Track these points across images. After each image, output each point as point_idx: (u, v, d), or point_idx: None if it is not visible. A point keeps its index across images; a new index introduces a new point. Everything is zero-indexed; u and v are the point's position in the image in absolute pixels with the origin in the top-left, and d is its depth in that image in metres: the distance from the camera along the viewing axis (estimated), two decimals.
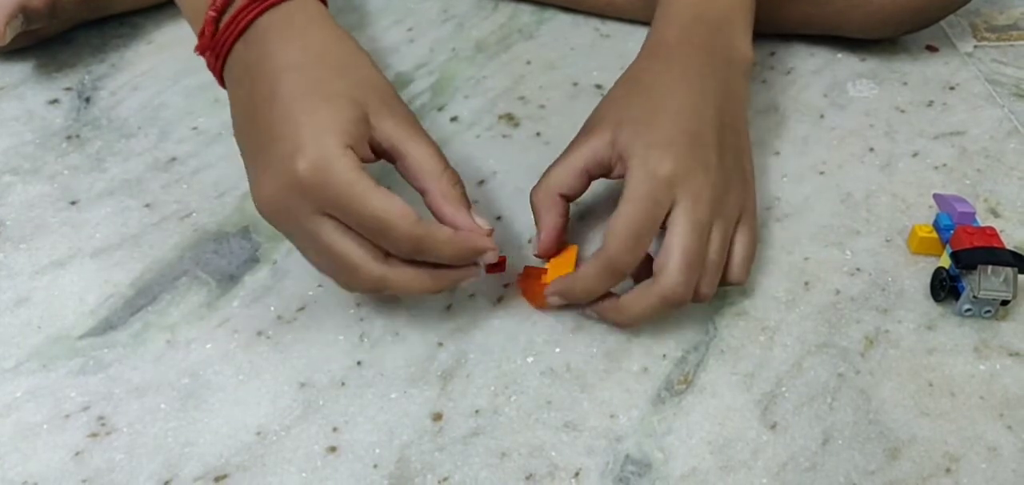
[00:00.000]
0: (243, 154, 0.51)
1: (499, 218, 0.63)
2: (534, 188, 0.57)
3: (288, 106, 0.47)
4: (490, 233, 0.51)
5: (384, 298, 0.57)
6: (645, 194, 0.51)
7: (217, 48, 0.50)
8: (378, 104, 0.49)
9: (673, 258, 0.51)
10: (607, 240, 0.52)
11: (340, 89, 0.48)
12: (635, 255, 0.51)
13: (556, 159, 0.57)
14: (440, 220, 0.50)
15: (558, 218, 0.56)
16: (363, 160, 0.48)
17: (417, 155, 0.50)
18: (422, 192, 0.50)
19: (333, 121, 0.46)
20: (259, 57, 0.49)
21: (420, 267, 0.50)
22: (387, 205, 0.46)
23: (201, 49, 0.51)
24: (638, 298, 0.52)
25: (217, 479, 0.48)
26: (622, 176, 0.53)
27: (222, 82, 0.52)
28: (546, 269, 0.56)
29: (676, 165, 0.51)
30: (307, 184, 0.45)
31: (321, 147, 0.45)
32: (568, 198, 0.56)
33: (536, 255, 0.57)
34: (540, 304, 0.56)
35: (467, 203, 0.51)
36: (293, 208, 0.47)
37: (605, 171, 0.55)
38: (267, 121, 0.47)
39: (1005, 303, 0.57)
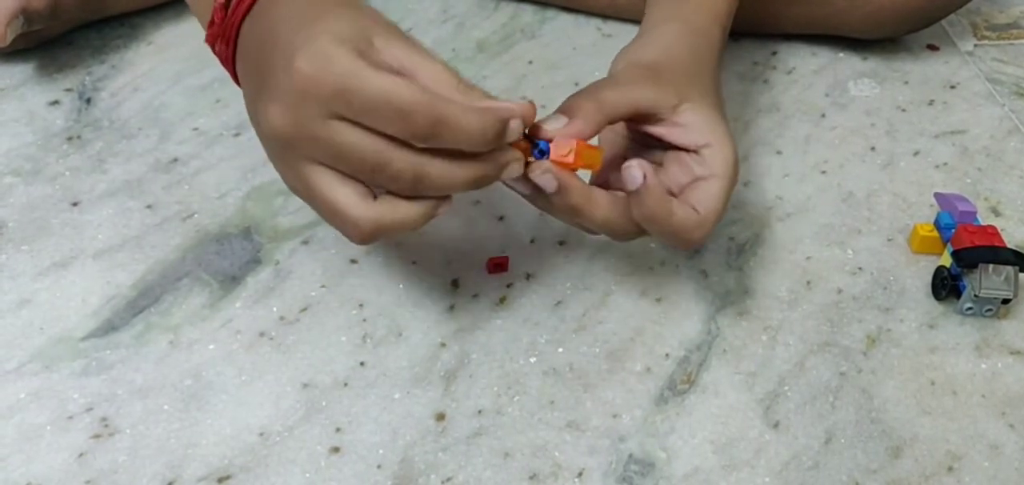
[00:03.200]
0: (253, 118, 0.48)
1: (501, 218, 0.63)
2: (576, 95, 0.52)
3: (285, 30, 0.44)
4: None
5: (403, 239, 0.54)
6: (734, 175, 0.52)
7: (227, 33, 0.49)
8: (384, 29, 0.46)
9: (709, 218, 0.50)
10: (703, 208, 0.50)
11: (341, 12, 0.45)
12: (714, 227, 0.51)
13: (601, 81, 0.53)
14: None
15: (591, 133, 0.51)
16: None
17: (430, 70, 0.45)
18: None
19: (332, 27, 0.44)
20: (265, 22, 0.47)
21: (454, 159, 0.45)
22: (394, 82, 0.42)
23: (211, 38, 0.50)
24: (660, 203, 0.49)
25: (220, 480, 0.48)
26: (658, 138, 0.53)
27: (233, 70, 0.50)
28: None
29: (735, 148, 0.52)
30: (309, 81, 0.42)
31: (318, 44, 0.43)
32: (602, 125, 0.52)
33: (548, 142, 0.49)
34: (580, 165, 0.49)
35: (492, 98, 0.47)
36: (302, 121, 0.43)
37: (645, 122, 0.53)
38: (268, 59, 0.45)
39: (1006, 302, 0.57)
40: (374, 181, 0.45)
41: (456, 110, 0.43)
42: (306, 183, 0.46)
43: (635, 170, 0.47)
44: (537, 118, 0.48)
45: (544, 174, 0.48)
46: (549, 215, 0.52)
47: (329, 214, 0.46)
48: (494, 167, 0.46)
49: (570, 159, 0.48)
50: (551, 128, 0.49)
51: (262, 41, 0.46)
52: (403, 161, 0.44)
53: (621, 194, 0.50)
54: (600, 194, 0.50)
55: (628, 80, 0.54)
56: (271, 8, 0.47)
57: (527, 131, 0.48)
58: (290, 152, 0.45)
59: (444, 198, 0.47)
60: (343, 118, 0.43)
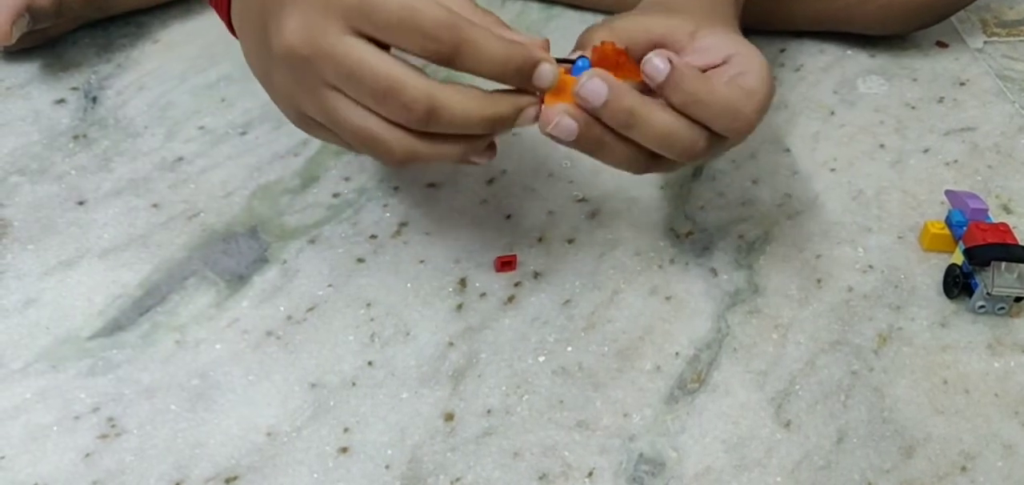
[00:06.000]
0: (261, 53, 0.46)
1: (508, 217, 0.62)
2: (590, 29, 0.50)
3: None
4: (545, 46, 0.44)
5: (417, 167, 0.52)
6: (770, 77, 0.48)
7: None
8: None
9: (758, 91, 0.47)
10: (747, 84, 0.47)
11: None
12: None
13: (615, 15, 0.52)
14: None
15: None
16: None
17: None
18: None
19: None
20: None
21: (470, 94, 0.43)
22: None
23: None
24: (697, 80, 0.46)
25: (228, 480, 0.48)
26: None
27: (227, 18, 0.49)
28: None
29: None
30: None
31: None
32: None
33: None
34: (625, 74, 0.46)
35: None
36: (318, 34, 0.41)
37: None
38: None
39: (1019, 299, 0.57)
40: (386, 109, 0.42)
41: (482, 33, 0.41)
42: (328, 109, 0.43)
43: (656, 60, 0.44)
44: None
45: (591, 80, 0.44)
46: (598, 159, 0.47)
47: (359, 138, 0.43)
48: (511, 107, 0.44)
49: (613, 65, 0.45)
50: (574, 56, 0.46)
51: None
52: (418, 87, 0.41)
53: None
54: (652, 100, 0.46)
55: (640, 12, 0.52)
56: None
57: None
58: (306, 74, 0.43)
59: (487, 146, 0.46)
60: (362, 34, 0.41)
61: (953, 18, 0.81)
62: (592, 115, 0.45)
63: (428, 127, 0.43)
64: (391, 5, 0.40)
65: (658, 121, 0.45)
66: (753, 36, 0.78)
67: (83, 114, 0.69)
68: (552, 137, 0.45)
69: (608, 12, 0.81)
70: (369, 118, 0.43)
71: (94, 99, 0.70)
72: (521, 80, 0.43)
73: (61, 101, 0.70)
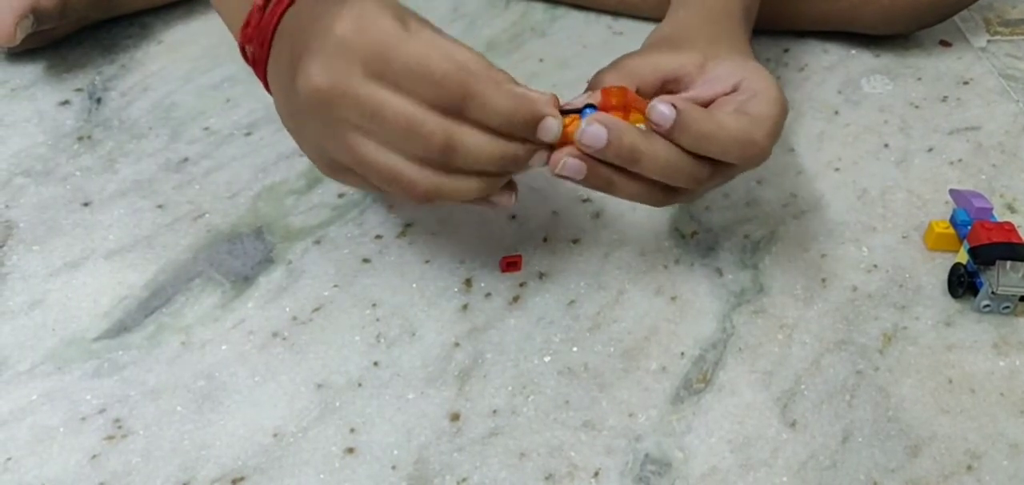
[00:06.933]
0: (288, 105, 0.48)
1: (513, 217, 0.62)
2: (602, 70, 0.52)
3: (324, 9, 0.45)
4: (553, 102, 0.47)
5: (435, 206, 0.53)
6: (782, 98, 0.50)
7: (263, 32, 0.48)
8: (418, 16, 0.46)
9: (768, 118, 0.49)
10: (756, 111, 0.49)
11: None
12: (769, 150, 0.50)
13: (625, 55, 0.53)
14: None
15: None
16: None
17: (462, 52, 0.45)
18: None
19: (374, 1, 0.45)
20: (304, 12, 0.47)
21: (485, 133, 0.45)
22: (431, 48, 0.44)
23: (245, 38, 0.50)
24: (705, 119, 0.47)
25: (234, 481, 0.48)
26: (695, 98, 0.51)
27: (263, 73, 0.50)
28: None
29: None
30: (352, 36, 0.43)
31: (362, 7, 0.44)
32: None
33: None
34: (634, 117, 0.48)
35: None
36: (341, 78, 0.43)
37: (675, 88, 0.53)
38: (306, 34, 0.45)
39: None
40: (407, 145, 0.45)
41: (490, 86, 0.44)
42: (354, 150, 0.45)
43: (661, 106, 0.46)
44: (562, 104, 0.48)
45: (591, 125, 0.46)
46: (614, 196, 0.50)
47: (384, 177, 0.46)
48: (525, 150, 0.46)
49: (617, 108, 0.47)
50: (576, 101, 0.48)
51: (299, 28, 0.47)
52: (435, 123, 0.44)
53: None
54: (655, 135, 0.48)
55: (649, 49, 0.53)
56: (311, 3, 0.47)
57: (562, 109, 0.47)
58: (331, 116, 0.45)
59: (507, 186, 0.48)
60: (381, 79, 0.43)
61: (956, 18, 0.81)
62: (597, 157, 0.47)
63: (447, 161, 0.45)
64: (407, 54, 0.43)
65: (662, 155, 0.47)
66: (757, 37, 0.78)
67: (87, 115, 0.69)
68: (562, 177, 0.48)
69: (611, 12, 0.81)
70: (392, 156, 0.45)
71: (98, 100, 0.71)
72: (527, 132, 0.46)
73: (65, 102, 0.70)
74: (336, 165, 0.48)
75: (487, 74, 0.45)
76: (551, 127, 0.46)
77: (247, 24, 0.49)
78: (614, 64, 0.53)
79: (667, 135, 0.47)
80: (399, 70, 0.43)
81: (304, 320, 0.56)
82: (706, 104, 0.51)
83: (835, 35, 0.79)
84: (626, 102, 0.48)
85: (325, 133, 0.46)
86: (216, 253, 0.59)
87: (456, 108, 0.44)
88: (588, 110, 0.48)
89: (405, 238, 0.60)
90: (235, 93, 0.71)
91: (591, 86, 0.51)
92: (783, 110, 0.50)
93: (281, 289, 0.57)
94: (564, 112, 0.47)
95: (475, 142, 0.45)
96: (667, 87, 0.52)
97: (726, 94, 0.51)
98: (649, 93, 0.51)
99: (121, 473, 0.48)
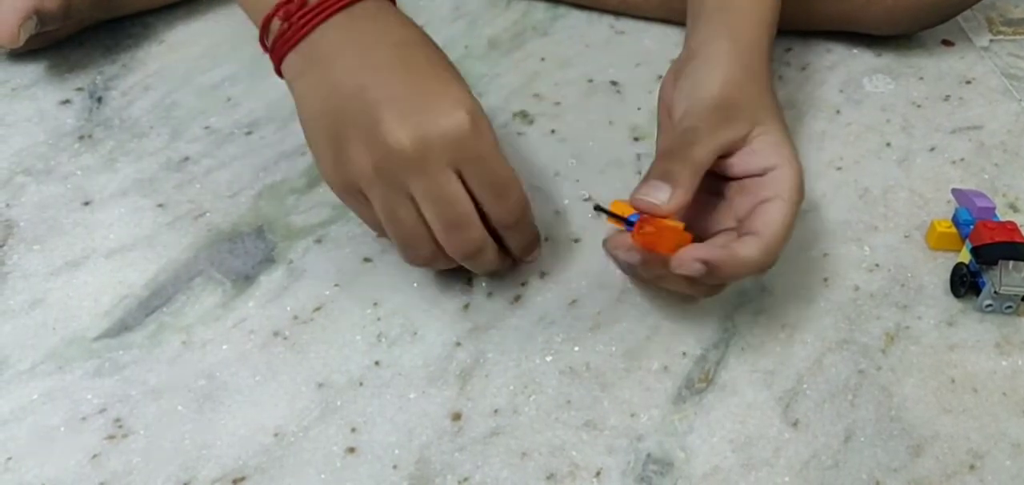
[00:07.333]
0: (336, 120, 0.49)
1: None
2: (670, 158, 0.52)
3: (431, 69, 0.50)
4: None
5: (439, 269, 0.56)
6: (799, 198, 0.52)
7: (303, 23, 0.49)
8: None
9: (772, 242, 0.51)
10: (768, 231, 0.51)
11: (461, 82, 0.50)
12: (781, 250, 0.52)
13: (680, 137, 0.54)
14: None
15: (693, 190, 0.52)
16: None
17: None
18: None
19: (471, 98, 0.49)
20: (365, 31, 0.50)
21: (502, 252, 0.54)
22: (513, 173, 0.50)
23: (286, 14, 0.50)
24: (725, 266, 0.50)
25: (235, 481, 0.48)
26: (729, 166, 0.54)
27: (279, 58, 0.51)
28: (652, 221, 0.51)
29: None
30: (463, 134, 0.47)
31: (478, 106, 0.49)
32: (698, 182, 0.53)
33: (657, 214, 0.51)
34: (664, 250, 0.51)
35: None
36: (429, 158, 0.47)
37: (724, 159, 0.54)
38: (401, 80, 0.48)
39: None
40: (446, 236, 0.50)
41: (530, 218, 0.54)
42: (392, 208, 0.49)
43: (691, 265, 0.49)
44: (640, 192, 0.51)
45: (629, 251, 0.52)
46: (615, 265, 0.56)
47: (402, 237, 0.51)
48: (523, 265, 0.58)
49: (654, 238, 0.50)
50: (654, 199, 0.50)
51: (367, 46, 0.49)
52: (479, 231, 0.50)
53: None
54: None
55: (709, 128, 0.54)
56: (365, 27, 0.50)
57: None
58: (395, 173, 0.48)
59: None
60: (460, 172, 0.48)
61: (958, 17, 0.81)
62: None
63: (465, 258, 0.51)
64: (498, 171, 0.49)
65: (676, 286, 0.53)
66: None
67: (89, 115, 0.69)
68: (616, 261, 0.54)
69: (613, 13, 0.81)
70: (422, 227, 0.50)
71: (99, 100, 0.70)
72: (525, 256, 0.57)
73: (66, 102, 0.70)
74: (355, 192, 0.50)
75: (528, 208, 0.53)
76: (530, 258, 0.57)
77: (272, 13, 0.50)
78: (680, 153, 0.52)
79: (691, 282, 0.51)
80: (484, 179, 0.49)
81: (305, 319, 0.56)
82: (737, 177, 0.54)
83: (837, 34, 0.79)
84: (661, 226, 0.50)
85: (375, 174, 0.48)
86: (217, 252, 0.59)
87: (504, 226, 0.52)
88: (633, 217, 0.51)
89: None
90: (236, 92, 0.71)
91: (660, 175, 0.51)
92: (798, 202, 0.52)
93: (282, 288, 0.57)
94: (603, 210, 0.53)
95: (491, 262, 0.52)
96: (717, 162, 0.54)
97: (753, 176, 0.53)
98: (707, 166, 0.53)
99: (122, 473, 0.48)
